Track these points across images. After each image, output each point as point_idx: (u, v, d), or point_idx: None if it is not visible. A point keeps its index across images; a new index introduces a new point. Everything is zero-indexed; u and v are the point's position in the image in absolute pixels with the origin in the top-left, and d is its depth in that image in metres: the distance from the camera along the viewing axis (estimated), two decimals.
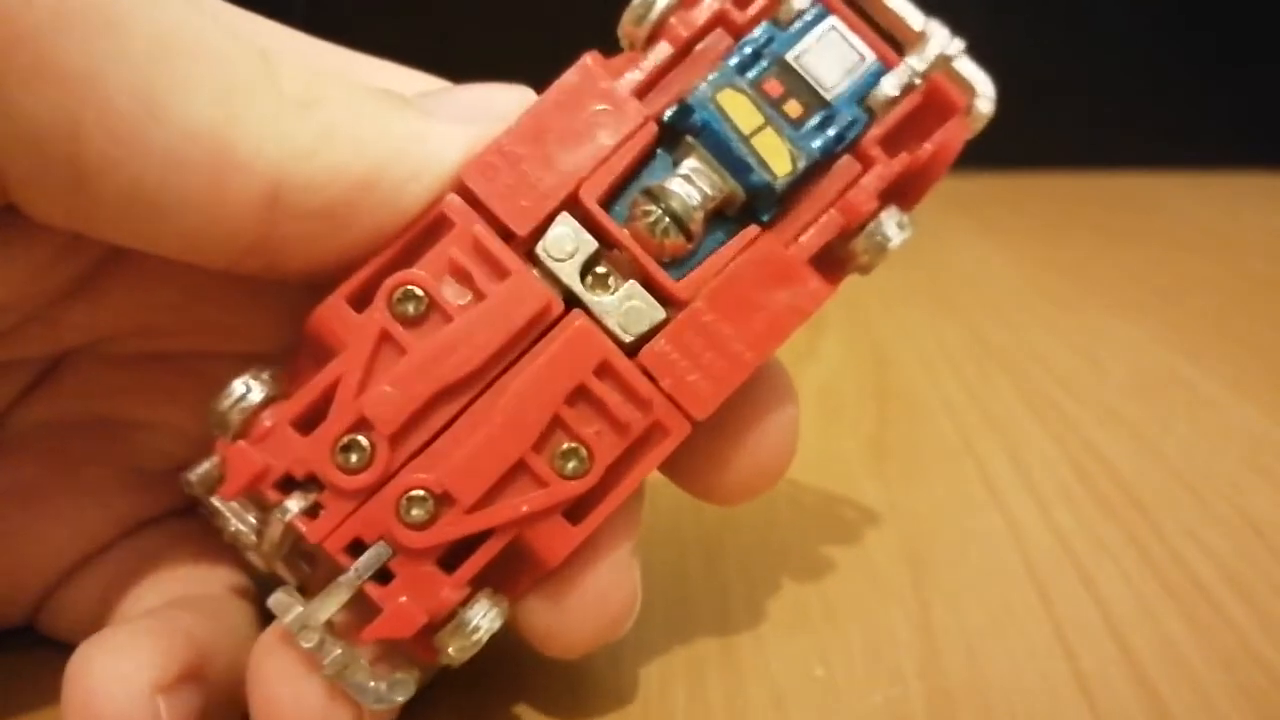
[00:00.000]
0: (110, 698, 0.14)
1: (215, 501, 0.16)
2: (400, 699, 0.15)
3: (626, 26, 0.15)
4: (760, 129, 0.15)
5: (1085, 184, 0.65)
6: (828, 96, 0.15)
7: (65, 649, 0.15)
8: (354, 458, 0.15)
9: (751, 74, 0.15)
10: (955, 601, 0.20)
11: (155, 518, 0.19)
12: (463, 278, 0.15)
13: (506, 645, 0.18)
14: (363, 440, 0.15)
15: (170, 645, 0.15)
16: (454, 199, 0.15)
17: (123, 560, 0.18)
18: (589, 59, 0.15)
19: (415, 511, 0.15)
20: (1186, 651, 0.19)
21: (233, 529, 0.16)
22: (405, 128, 0.15)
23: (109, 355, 0.18)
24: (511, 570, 0.16)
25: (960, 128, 0.16)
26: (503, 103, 0.15)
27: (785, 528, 0.24)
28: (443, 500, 0.15)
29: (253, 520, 0.16)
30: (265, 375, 0.15)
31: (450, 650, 0.15)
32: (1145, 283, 0.44)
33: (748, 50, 0.15)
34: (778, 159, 0.15)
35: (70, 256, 0.16)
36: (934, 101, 0.16)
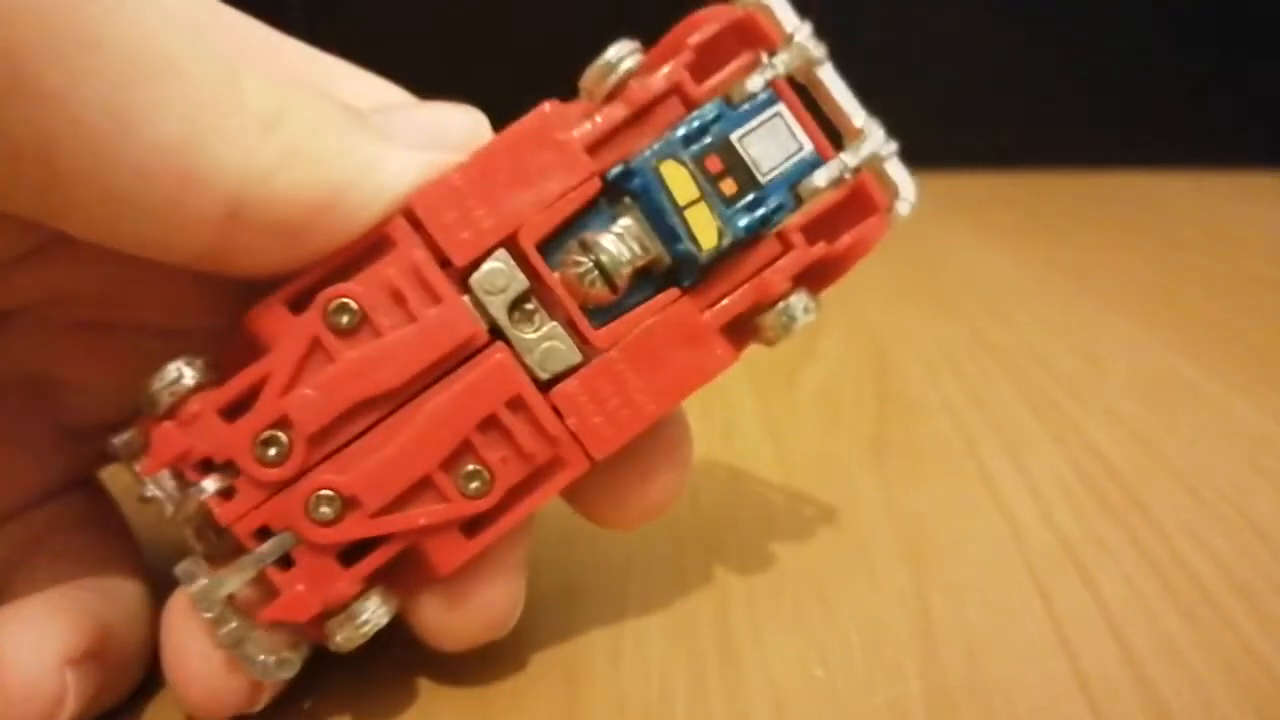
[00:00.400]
0: (19, 666, 0.15)
1: (136, 468, 0.17)
2: (285, 676, 0.16)
3: (589, 81, 0.16)
4: (694, 202, 0.16)
5: (1085, 184, 0.65)
6: (762, 179, 0.16)
7: None
8: (272, 451, 0.16)
9: (695, 148, 0.16)
10: (955, 601, 0.20)
11: (82, 478, 0.20)
12: (397, 298, 0.16)
13: (507, 645, 0.18)
14: (282, 436, 0.16)
15: (80, 621, 0.16)
16: (400, 222, 0.16)
17: (30, 530, 0.19)
18: (547, 106, 0.16)
19: (323, 509, 0.16)
20: (1187, 651, 0.19)
21: (149, 494, 0.17)
22: (364, 151, 0.15)
23: (51, 319, 0.18)
24: (407, 570, 0.17)
25: (878, 225, 0.17)
26: (457, 128, 0.16)
27: (785, 527, 0.24)
28: (349, 503, 0.16)
29: (170, 489, 0.17)
30: (199, 362, 0.16)
31: (338, 638, 0.16)
32: (1146, 282, 0.44)
33: (696, 124, 0.16)
34: (706, 233, 0.16)
35: (24, 233, 0.16)
36: (858, 197, 0.17)
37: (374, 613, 0.16)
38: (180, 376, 0.16)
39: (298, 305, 0.16)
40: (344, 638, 0.16)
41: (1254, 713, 0.17)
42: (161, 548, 0.20)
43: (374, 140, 0.16)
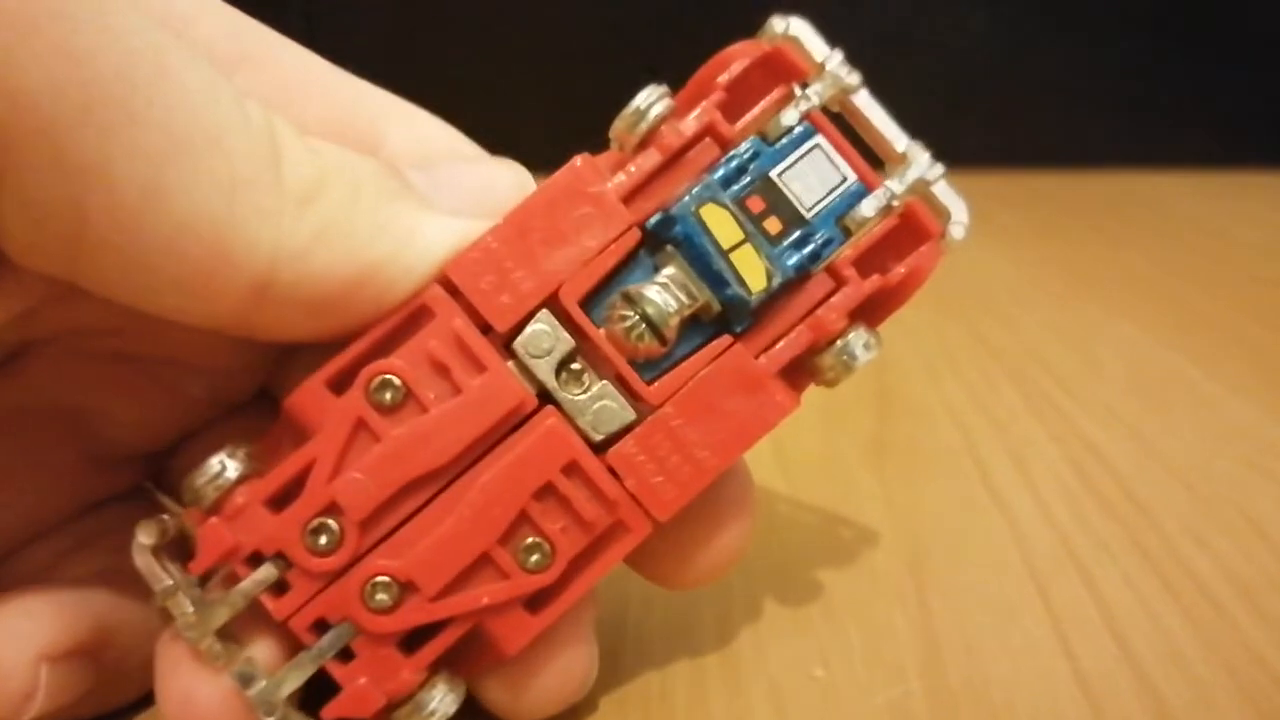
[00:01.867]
0: None
1: (158, 567, 0.16)
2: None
3: (619, 130, 0.16)
4: (739, 245, 0.15)
5: (1085, 184, 0.65)
6: (807, 215, 0.16)
7: None
8: (323, 540, 0.15)
9: (735, 189, 0.15)
10: (955, 601, 0.20)
11: (109, 499, 0.19)
12: (440, 370, 0.15)
13: None
14: (332, 524, 0.15)
15: (72, 618, 0.16)
16: (437, 290, 0.15)
17: (70, 538, 0.19)
18: (579, 161, 0.15)
19: (380, 596, 0.15)
20: (1187, 651, 0.19)
21: (167, 593, 0.16)
22: (402, 223, 0.15)
23: (77, 349, 0.18)
24: (471, 653, 0.16)
25: (933, 252, 0.16)
26: (503, 187, 0.16)
27: (785, 527, 0.24)
28: (407, 588, 0.15)
29: (192, 600, 0.16)
30: (241, 453, 0.16)
31: None
32: (1146, 282, 0.44)
33: (733, 165, 0.16)
34: (754, 274, 0.15)
35: (42, 283, 0.16)
36: (909, 225, 0.16)
37: (441, 701, 0.16)
38: (223, 470, 0.15)
39: (338, 385, 0.15)
40: None
41: (1253, 712, 0.17)
42: None
43: (413, 209, 0.15)
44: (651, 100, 0.15)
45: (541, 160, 0.17)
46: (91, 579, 0.17)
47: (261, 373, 0.19)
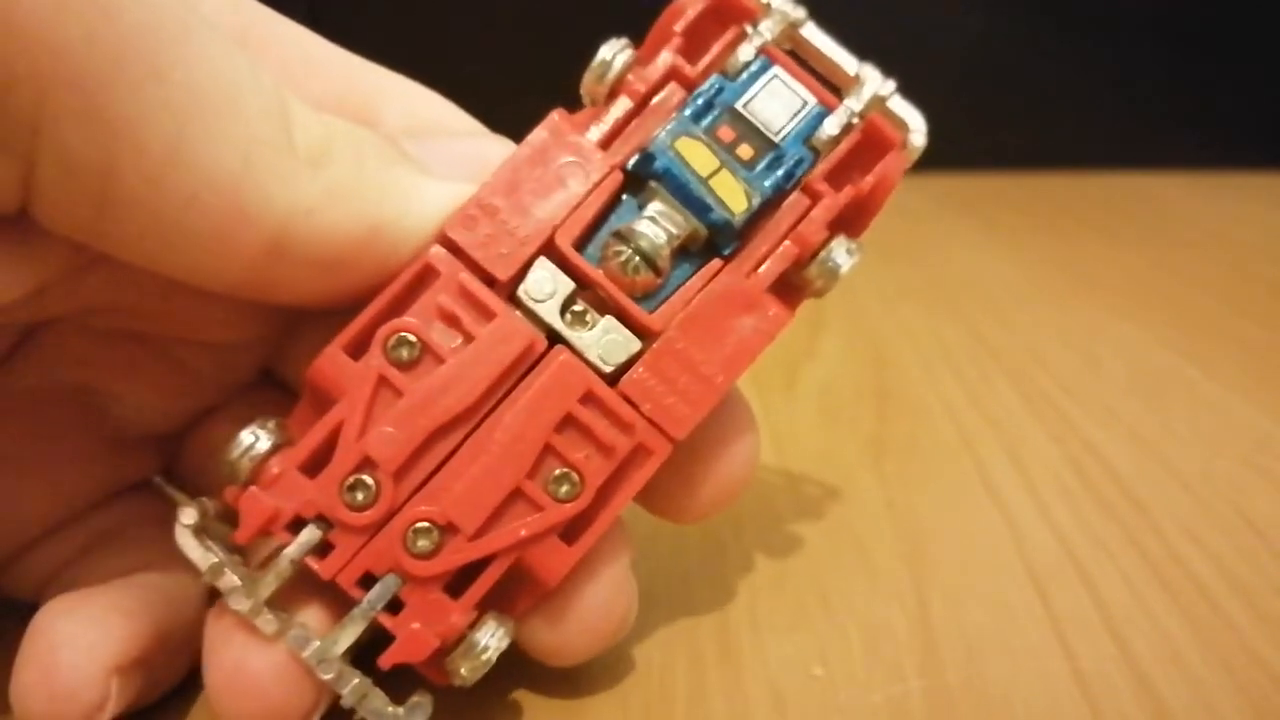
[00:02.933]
0: (71, 667, 0.15)
1: (202, 546, 0.16)
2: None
3: (588, 84, 0.17)
4: (716, 171, 0.16)
5: (1085, 184, 0.65)
6: (776, 139, 0.17)
7: (24, 608, 0.16)
8: (360, 496, 0.16)
9: (705, 122, 0.16)
10: (955, 601, 0.21)
11: (128, 485, 0.20)
12: (452, 322, 0.16)
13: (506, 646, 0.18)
14: (367, 479, 0.16)
15: (137, 628, 0.16)
16: (439, 250, 0.16)
17: (93, 528, 0.19)
18: (556, 115, 0.16)
19: (421, 542, 0.16)
20: (1186, 651, 0.19)
21: (215, 570, 0.16)
22: (403, 186, 0.16)
23: (90, 327, 0.18)
24: (513, 591, 0.17)
25: (897, 160, 0.17)
26: (493, 157, 0.17)
27: (785, 527, 0.24)
28: (447, 530, 0.16)
29: (240, 571, 0.16)
30: (270, 424, 0.16)
31: (462, 671, 0.16)
32: (1145, 282, 0.44)
33: (700, 101, 0.16)
34: (734, 198, 0.16)
35: (73, 255, 0.16)
36: (872, 138, 0.17)
37: (493, 638, 0.16)
38: (255, 441, 0.16)
39: (356, 350, 0.16)
40: (468, 669, 0.16)
41: (1252, 712, 0.17)
42: None
43: (412, 173, 0.16)
44: (615, 51, 0.16)
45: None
46: (132, 580, 0.17)
47: (266, 348, 0.19)
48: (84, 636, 0.16)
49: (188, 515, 0.16)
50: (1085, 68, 0.67)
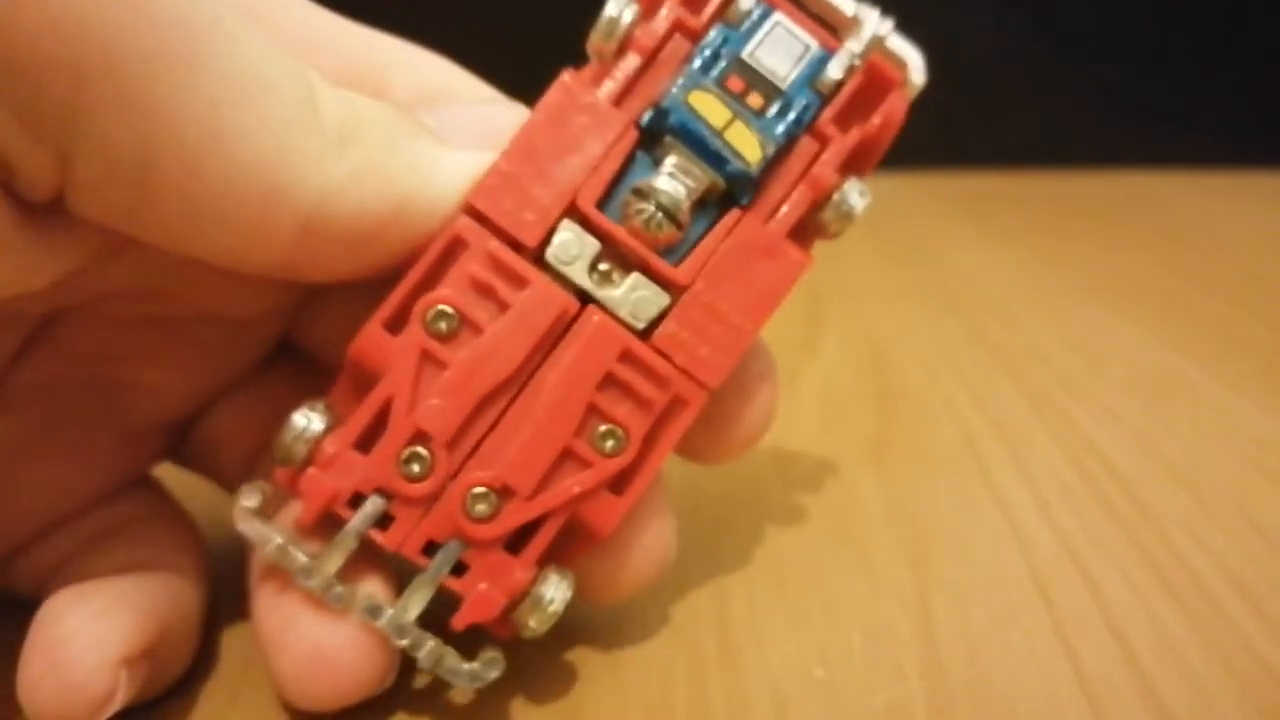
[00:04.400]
0: (80, 659, 0.16)
1: (264, 528, 0.17)
2: (497, 674, 0.17)
3: (596, 42, 0.17)
4: (730, 123, 0.17)
5: (1086, 183, 0.65)
6: (782, 86, 0.17)
7: (21, 608, 0.16)
8: (416, 467, 0.16)
9: (714, 73, 0.17)
10: (956, 601, 0.20)
11: (132, 480, 0.20)
12: (486, 292, 0.16)
13: (507, 645, 0.18)
14: (422, 451, 0.16)
15: (144, 621, 0.17)
16: (466, 221, 0.16)
17: (95, 523, 0.19)
18: (566, 76, 0.17)
19: (480, 507, 0.16)
20: (1187, 651, 0.19)
21: (280, 550, 0.16)
22: (425, 160, 0.16)
23: (106, 316, 0.18)
24: (568, 545, 0.17)
25: (900, 99, 0.17)
26: (505, 123, 0.17)
27: (785, 528, 0.23)
28: (503, 493, 0.16)
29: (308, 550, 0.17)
30: (320, 405, 0.17)
31: (531, 624, 0.17)
32: (1146, 282, 0.44)
33: (707, 53, 0.17)
34: (749, 148, 0.17)
35: (99, 237, 0.16)
36: (874, 79, 0.17)
37: (557, 589, 0.17)
38: (308, 424, 0.16)
39: (394, 326, 0.16)
40: (537, 622, 0.17)
41: (1255, 712, 0.17)
42: (220, 545, 0.20)
43: (432, 146, 0.16)
44: (621, 8, 0.16)
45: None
46: (137, 574, 0.18)
47: (283, 319, 0.20)
48: (92, 629, 0.16)
49: (250, 498, 0.17)
50: (1085, 68, 0.67)
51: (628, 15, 0.16)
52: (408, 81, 0.18)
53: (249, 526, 0.17)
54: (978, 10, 0.65)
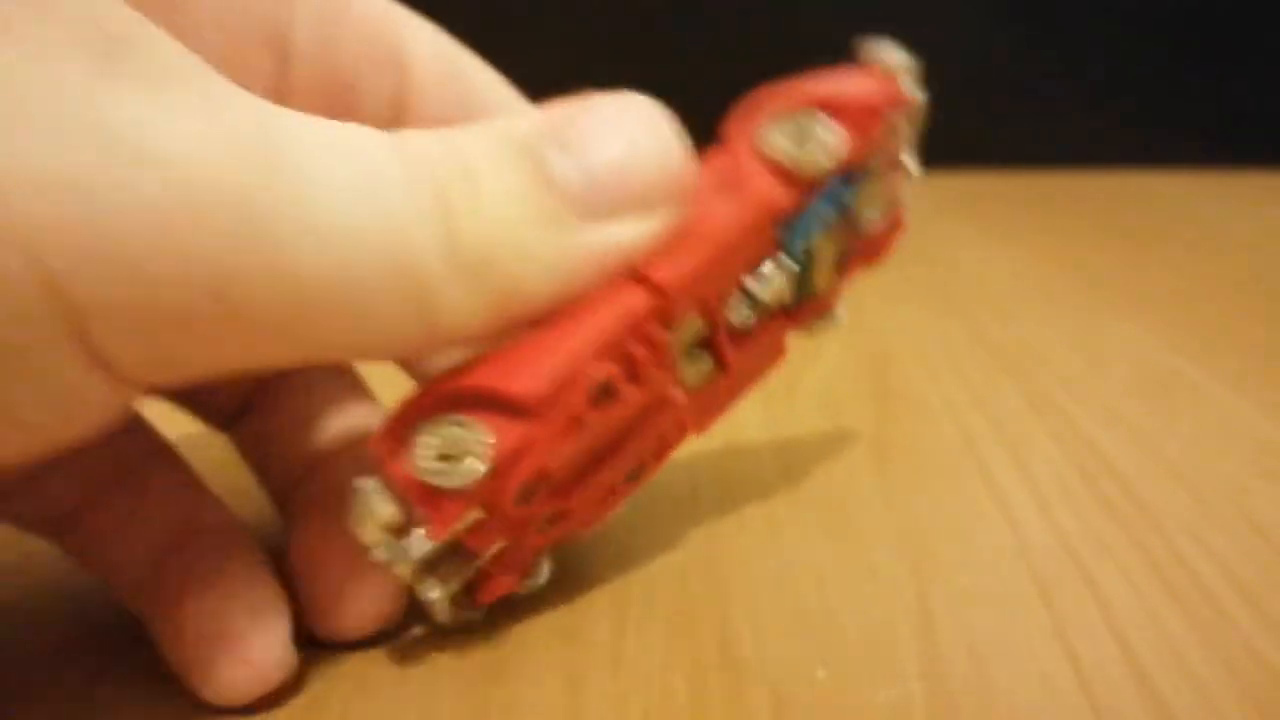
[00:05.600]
0: (265, 648, 0.17)
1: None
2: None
3: (796, 164, 0.18)
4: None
5: (1087, 183, 0.65)
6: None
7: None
8: (525, 500, 0.17)
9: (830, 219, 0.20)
10: (956, 602, 0.20)
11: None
12: (636, 377, 0.18)
13: (507, 645, 0.18)
14: (533, 488, 0.17)
15: (276, 595, 0.18)
16: (641, 295, 0.17)
17: (126, 450, 0.19)
18: (772, 192, 0.18)
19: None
20: (1188, 652, 0.19)
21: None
22: (569, 260, 0.16)
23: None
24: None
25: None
26: (645, 157, 0.16)
27: (785, 527, 0.23)
28: (561, 515, 0.18)
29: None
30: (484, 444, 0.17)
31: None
32: (1148, 282, 0.44)
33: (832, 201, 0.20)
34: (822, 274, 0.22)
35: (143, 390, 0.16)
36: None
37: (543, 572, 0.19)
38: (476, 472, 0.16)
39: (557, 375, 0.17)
40: (524, 589, 0.19)
41: (1256, 713, 0.17)
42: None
43: (569, 237, 0.16)
44: (828, 144, 0.18)
45: (559, 89, 0.18)
46: (234, 562, 0.18)
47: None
48: (259, 620, 0.17)
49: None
50: (1085, 68, 0.67)
51: (827, 156, 0.19)
52: (427, 52, 0.18)
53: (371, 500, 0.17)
54: (978, 10, 0.65)
